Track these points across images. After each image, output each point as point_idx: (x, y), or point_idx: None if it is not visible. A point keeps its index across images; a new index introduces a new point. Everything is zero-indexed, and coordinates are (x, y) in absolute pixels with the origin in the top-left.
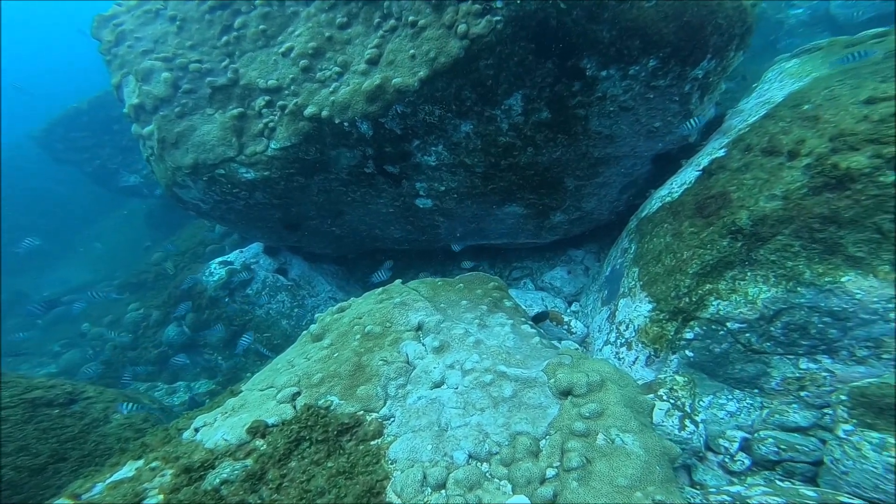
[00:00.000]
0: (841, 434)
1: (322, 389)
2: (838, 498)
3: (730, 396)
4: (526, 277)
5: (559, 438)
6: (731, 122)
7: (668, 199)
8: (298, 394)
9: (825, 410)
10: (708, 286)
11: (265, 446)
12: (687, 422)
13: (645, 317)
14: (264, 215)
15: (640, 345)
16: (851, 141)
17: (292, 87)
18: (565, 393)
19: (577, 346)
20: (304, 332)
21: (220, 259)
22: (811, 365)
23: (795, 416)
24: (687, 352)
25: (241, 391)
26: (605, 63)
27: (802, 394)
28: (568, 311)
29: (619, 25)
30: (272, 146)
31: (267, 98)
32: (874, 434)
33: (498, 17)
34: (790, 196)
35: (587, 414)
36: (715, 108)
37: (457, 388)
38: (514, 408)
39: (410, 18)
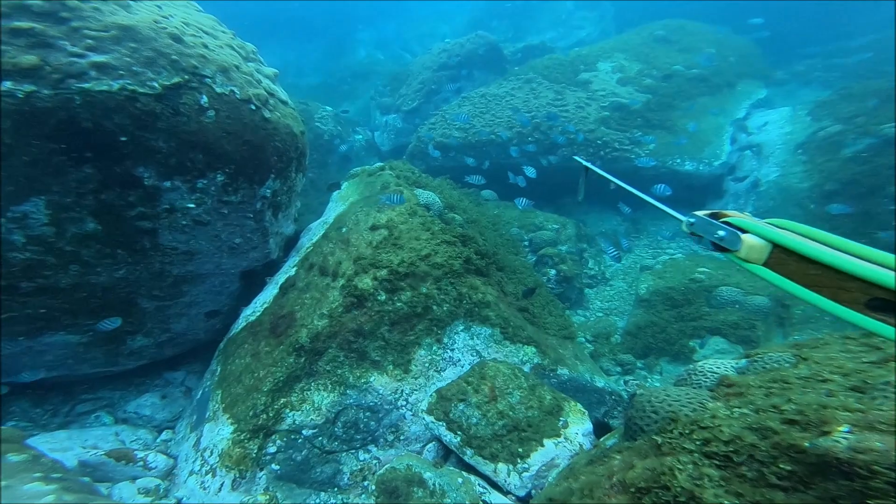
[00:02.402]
0: None
1: None
2: None
3: (316, 500)
4: (101, 410)
5: None
6: (303, 241)
7: (252, 318)
8: None
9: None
10: (282, 400)
11: None
12: None
13: (227, 439)
14: None
15: (223, 469)
16: (363, 264)
17: None
18: None
19: (160, 481)
20: None
21: None
22: (365, 456)
23: None
24: (273, 465)
25: None
26: (167, 174)
27: (365, 483)
28: (157, 440)
29: (179, 137)
30: None
31: None
32: None
33: None
34: (333, 314)
35: None
36: (295, 225)
37: None
38: None
39: None
